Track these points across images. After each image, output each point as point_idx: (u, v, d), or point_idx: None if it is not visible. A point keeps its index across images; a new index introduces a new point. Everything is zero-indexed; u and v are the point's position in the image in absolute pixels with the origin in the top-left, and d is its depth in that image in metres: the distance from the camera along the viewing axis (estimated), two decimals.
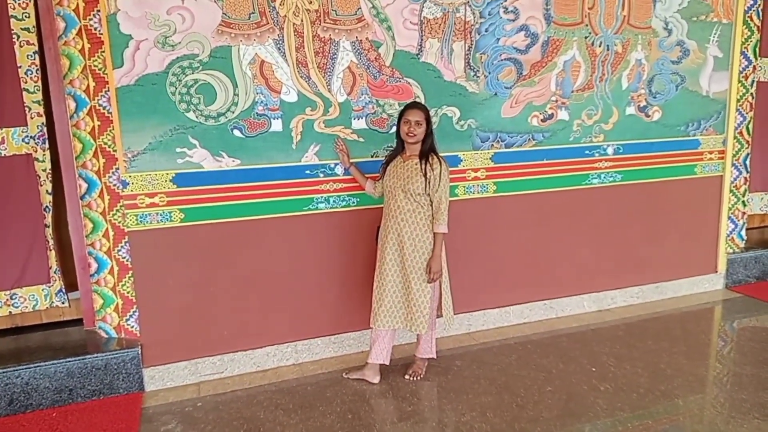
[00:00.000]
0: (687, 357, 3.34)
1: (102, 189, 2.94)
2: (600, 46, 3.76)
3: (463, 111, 3.49)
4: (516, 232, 3.78)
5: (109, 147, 2.91)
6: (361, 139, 3.32)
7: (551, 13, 3.59)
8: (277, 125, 3.15)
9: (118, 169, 2.94)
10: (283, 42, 3.08)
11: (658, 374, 3.14)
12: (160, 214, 3.03)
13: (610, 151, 3.94)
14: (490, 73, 3.50)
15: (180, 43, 2.91)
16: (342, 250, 3.39)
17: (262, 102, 3.10)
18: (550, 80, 3.67)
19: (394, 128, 3.33)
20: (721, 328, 3.91)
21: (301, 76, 3.14)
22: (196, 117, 3.00)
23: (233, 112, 3.07)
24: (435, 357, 3.23)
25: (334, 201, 3.33)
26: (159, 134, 2.96)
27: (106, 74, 2.84)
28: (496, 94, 3.54)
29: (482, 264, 3.69)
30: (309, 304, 3.38)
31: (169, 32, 2.89)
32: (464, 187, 3.58)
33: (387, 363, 3.12)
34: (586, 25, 3.70)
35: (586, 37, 3.71)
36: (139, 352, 3.04)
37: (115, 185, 2.95)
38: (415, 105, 2.97)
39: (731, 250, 4.44)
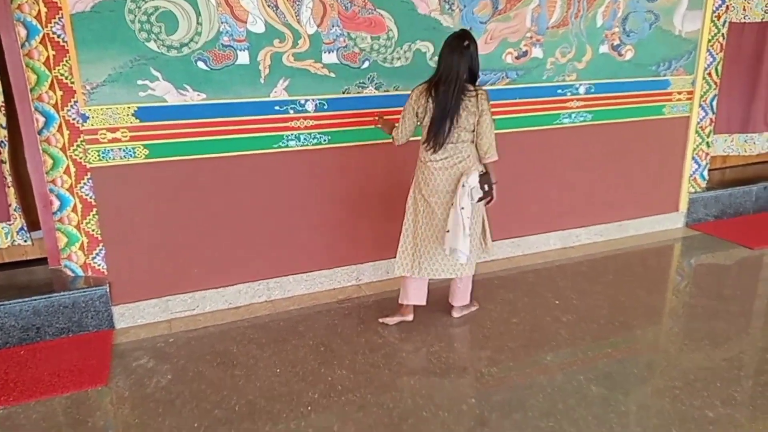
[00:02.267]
0: (646, 291, 3.49)
1: (60, 123, 2.81)
2: None
3: (438, 46, 3.39)
4: None
5: (66, 78, 2.76)
6: (332, 75, 3.22)
7: None
8: (243, 57, 3.03)
9: (76, 102, 2.80)
10: None
11: (618, 306, 3.28)
12: (124, 150, 2.92)
13: (582, 90, 3.94)
14: (465, 6, 3.41)
15: None
16: (313, 189, 3.36)
17: (227, 32, 2.96)
18: (526, 15, 3.60)
19: (367, 63, 3.27)
20: (679, 264, 4.09)
21: (269, 5, 3.00)
22: (158, 47, 2.86)
23: (197, 43, 2.93)
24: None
25: (305, 138, 3.26)
26: (119, 65, 2.81)
27: None
28: (471, 28, 3.44)
29: None
30: (280, 242, 3.37)
31: None
32: None
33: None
34: None
35: None
36: (108, 290, 3.01)
37: (74, 119, 2.82)
38: None
39: (693, 190, 4.57)
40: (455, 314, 3.15)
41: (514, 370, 2.69)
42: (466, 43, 2.69)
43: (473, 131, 2.75)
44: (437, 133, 2.70)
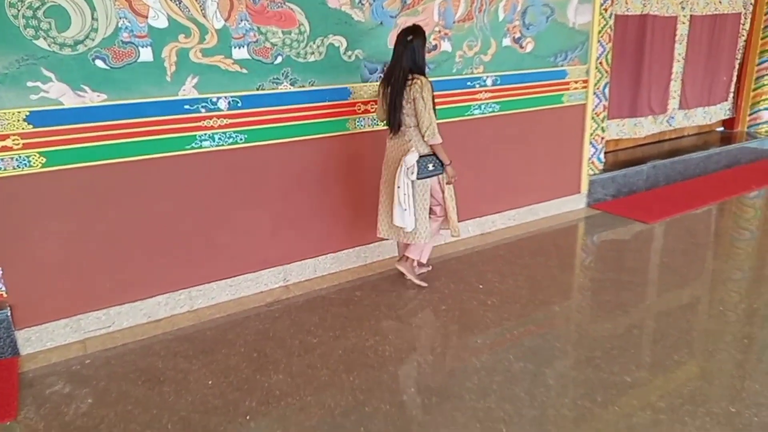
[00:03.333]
0: (559, 269, 3.72)
1: None
2: None
3: (350, 41, 3.39)
4: None
5: None
6: (244, 71, 3.11)
7: None
8: (146, 54, 2.84)
9: None
10: None
11: (536, 286, 3.47)
12: (16, 160, 2.65)
13: (489, 82, 4.10)
14: (375, 0, 3.41)
15: None
16: (231, 190, 3.24)
17: (126, 28, 2.76)
18: (433, 10, 3.68)
19: (279, 58, 3.20)
20: (584, 241, 4.39)
21: None
22: (49, 45, 2.61)
23: (93, 40, 2.71)
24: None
25: (219, 138, 3.13)
26: (3, 66, 2.53)
27: None
28: (381, 23, 3.47)
29: (368, 198, 3.71)
30: (199, 248, 3.22)
31: None
32: (354, 120, 3.54)
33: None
34: None
35: None
36: (9, 314, 2.73)
37: None
38: None
39: (592, 172, 4.92)
40: (401, 267, 3.43)
41: (448, 355, 2.76)
42: (410, 37, 3.03)
43: (414, 116, 3.05)
44: (392, 117, 3.10)
